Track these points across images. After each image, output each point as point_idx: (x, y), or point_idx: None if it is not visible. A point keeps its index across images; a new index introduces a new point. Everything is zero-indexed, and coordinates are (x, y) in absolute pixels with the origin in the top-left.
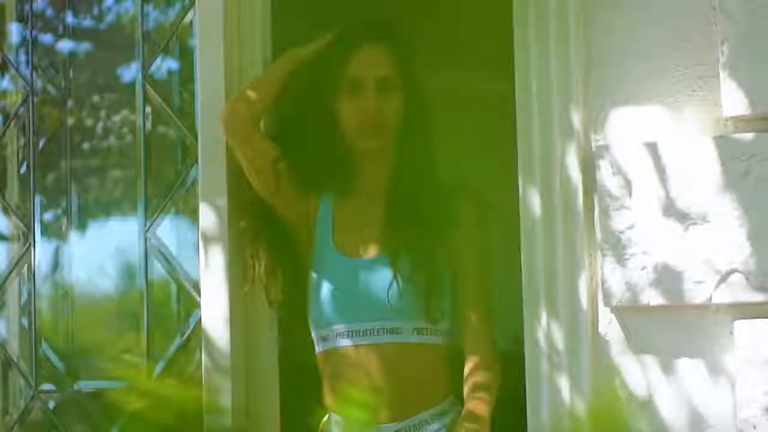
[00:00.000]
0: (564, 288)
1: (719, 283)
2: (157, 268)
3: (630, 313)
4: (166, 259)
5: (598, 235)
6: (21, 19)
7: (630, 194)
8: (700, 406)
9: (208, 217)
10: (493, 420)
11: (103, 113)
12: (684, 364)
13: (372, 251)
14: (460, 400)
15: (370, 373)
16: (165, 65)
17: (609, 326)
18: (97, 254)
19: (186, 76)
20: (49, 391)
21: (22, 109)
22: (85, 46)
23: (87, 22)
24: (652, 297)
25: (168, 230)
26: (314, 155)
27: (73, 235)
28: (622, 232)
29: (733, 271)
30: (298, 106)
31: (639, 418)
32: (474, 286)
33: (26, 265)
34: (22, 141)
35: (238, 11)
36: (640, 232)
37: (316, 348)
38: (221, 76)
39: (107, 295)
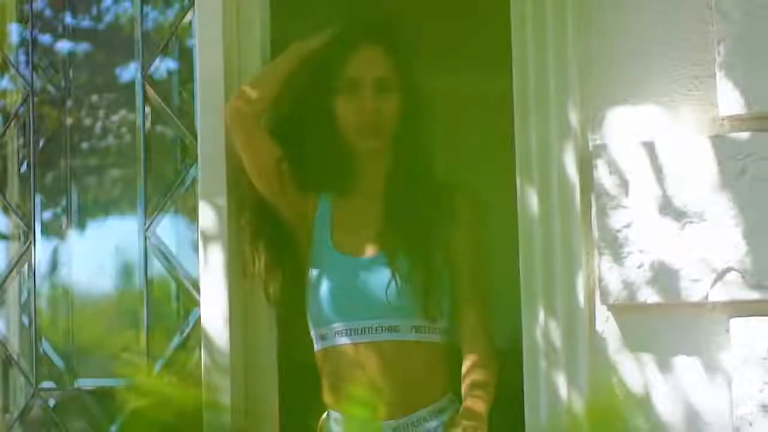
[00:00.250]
0: (561, 286)
1: (715, 281)
2: (157, 267)
3: (627, 311)
4: (166, 257)
5: (596, 233)
6: (21, 19)
7: (627, 193)
8: (697, 403)
9: (207, 216)
10: (490, 417)
11: (102, 113)
12: (681, 361)
13: (370, 250)
14: (458, 398)
15: (368, 371)
16: (164, 65)
17: (606, 324)
18: (96, 253)
19: (185, 76)
20: (49, 389)
21: (22, 108)
22: (84, 46)
23: (87, 23)
24: (648, 295)
25: (167, 229)
26: (312, 155)
27: (73, 234)
28: (619, 231)
29: (729, 269)
30: (296, 106)
31: (636, 415)
32: (471, 285)
33: (26, 264)
34: (22, 140)
35: (237, 12)
36: (636, 231)
37: (315, 346)
38: (220, 76)
39: (107, 293)
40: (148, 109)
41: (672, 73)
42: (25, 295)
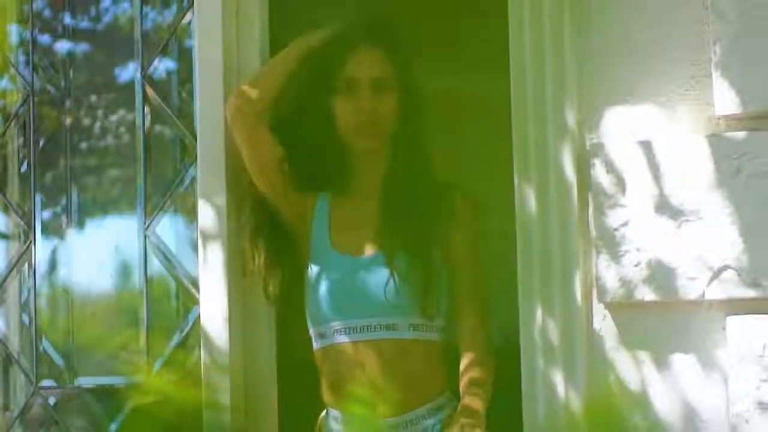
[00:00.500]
0: (559, 284)
1: (712, 279)
2: (157, 266)
3: (624, 309)
4: (165, 257)
5: (593, 232)
6: (21, 19)
7: (624, 192)
8: (694, 400)
9: (206, 216)
10: (488, 415)
11: (102, 113)
12: (677, 359)
13: (368, 249)
14: (456, 396)
15: (367, 369)
16: (164, 65)
17: (603, 322)
18: (96, 252)
19: (184, 76)
20: (49, 388)
21: (22, 108)
22: (84, 47)
23: (86, 23)
24: (645, 293)
25: (167, 228)
26: (311, 155)
27: (73, 233)
28: (616, 229)
29: (725, 267)
30: (294, 106)
31: (633, 412)
32: (469, 283)
33: (27, 263)
34: (22, 140)
35: (237, 12)
36: (633, 229)
37: (314, 345)
38: (220, 76)
39: (107, 292)
40: (147, 109)
41: (669, 73)
42: (25, 294)
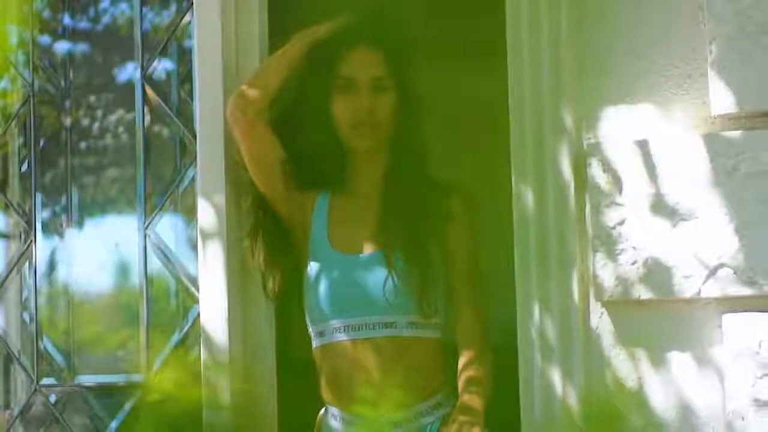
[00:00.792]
0: (556, 283)
1: (708, 277)
2: (156, 265)
3: (621, 307)
4: (165, 255)
5: (590, 230)
6: (21, 19)
7: (620, 191)
8: (690, 398)
9: (206, 215)
10: (486, 412)
11: (102, 113)
12: (674, 357)
13: (367, 248)
14: (454, 393)
15: (366, 366)
16: (163, 65)
17: (600, 320)
18: (96, 251)
19: (184, 76)
20: (49, 386)
21: (22, 108)
22: (84, 47)
23: (86, 23)
24: (642, 291)
25: (167, 227)
26: (310, 154)
27: (73, 233)
28: (612, 228)
29: (721, 265)
30: (293, 105)
31: (630, 410)
32: (467, 281)
33: (27, 262)
34: (22, 140)
35: (236, 12)
36: (630, 228)
37: (313, 343)
38: (219, 76)
39: (107, 291)
40: (147, 109)
41: (665, 72)
42: (25, 292)
